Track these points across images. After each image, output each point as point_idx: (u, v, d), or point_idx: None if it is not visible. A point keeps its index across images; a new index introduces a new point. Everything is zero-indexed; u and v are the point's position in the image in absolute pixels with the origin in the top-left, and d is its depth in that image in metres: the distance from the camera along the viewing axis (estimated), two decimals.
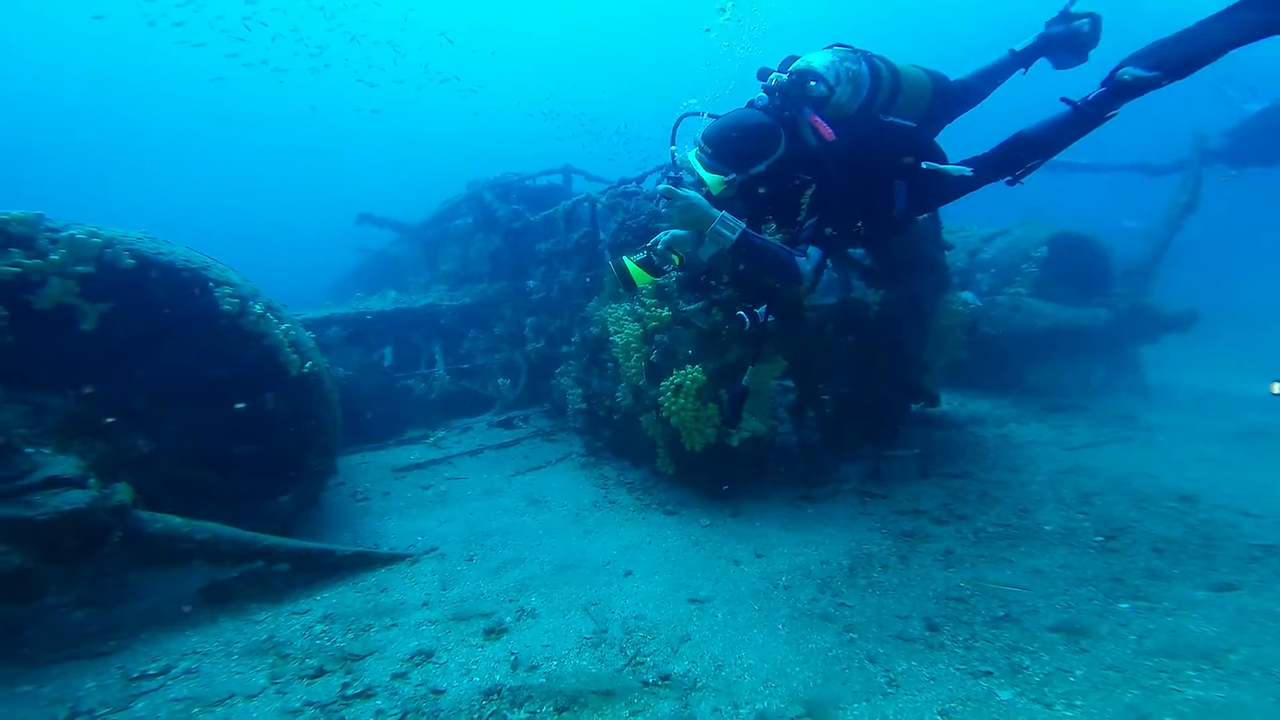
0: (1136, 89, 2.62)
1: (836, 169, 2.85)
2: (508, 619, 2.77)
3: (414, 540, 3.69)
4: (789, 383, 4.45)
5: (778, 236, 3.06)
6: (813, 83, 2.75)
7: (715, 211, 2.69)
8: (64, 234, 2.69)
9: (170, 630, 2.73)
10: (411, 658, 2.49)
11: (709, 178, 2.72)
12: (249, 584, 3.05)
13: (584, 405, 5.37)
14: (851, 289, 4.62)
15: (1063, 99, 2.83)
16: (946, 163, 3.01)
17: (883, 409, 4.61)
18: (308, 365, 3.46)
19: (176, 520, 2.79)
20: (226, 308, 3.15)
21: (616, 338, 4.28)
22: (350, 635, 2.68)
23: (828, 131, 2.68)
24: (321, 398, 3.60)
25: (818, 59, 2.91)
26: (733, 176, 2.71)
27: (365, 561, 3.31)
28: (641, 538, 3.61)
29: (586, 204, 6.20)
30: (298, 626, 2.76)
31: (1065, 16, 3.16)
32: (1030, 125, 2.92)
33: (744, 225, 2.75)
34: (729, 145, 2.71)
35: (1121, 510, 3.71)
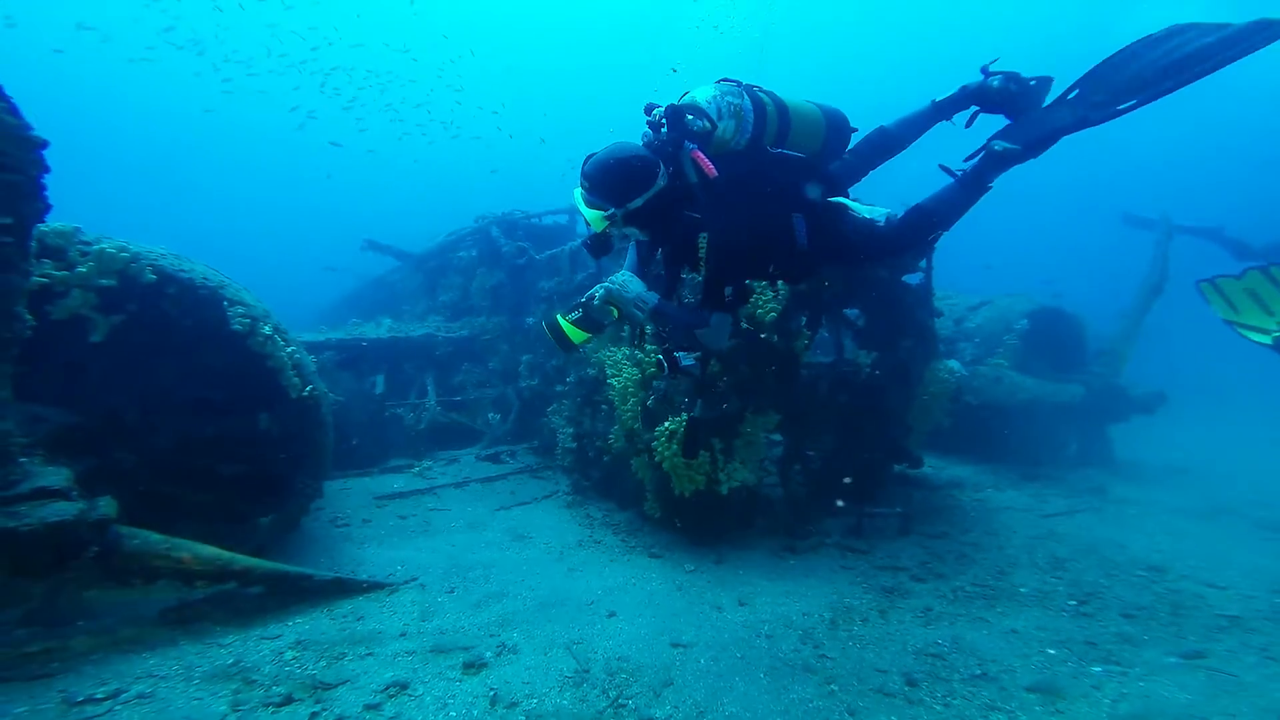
0: (1005, 161, 2.84)
1: (724, 204, 2.75)
2: (488, 654, 2.72)
3: (394, 569, 3.63)
4: (776, 436, 4.56)
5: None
6: (690, 116, 2.68)
7: (630, 292, 2.72)
8: (95, 248, 2.78)
9: (125, 652, 2.61)
10: (386, 689, 2.43)
11: (588, 213, 2.64)
12: (217, 606, 2.96)
13: (574, 444, 5.41)
14: (844, 349, 4.82)
15: (941, 166, 2.98)
16: (848, 198, 2.98)
17: (867, 468, 4.72)
18: (308, 389, 3.51)
19: (156, 537, 2.74)
20: (237, 327, 3.22)
21: (614, 380, 4.39)
22: (323, 663, 2.62)
23: (709, 167, 2.59)
24: (318, 421, 3.63)
25: (701, 93, 2.86)
26: (611, 211, 2.60)
27: (343, 588, 3.25)
28: (626, 579, 3.60)
29: None
30: (267, 652, 2.68)
31: (984, 73, 3.18)
32: (925, 198, 3.02)
33: (656, 299, 2.76)
34: (604, 179, 2.60)
35: (1093, 576, 3.79)
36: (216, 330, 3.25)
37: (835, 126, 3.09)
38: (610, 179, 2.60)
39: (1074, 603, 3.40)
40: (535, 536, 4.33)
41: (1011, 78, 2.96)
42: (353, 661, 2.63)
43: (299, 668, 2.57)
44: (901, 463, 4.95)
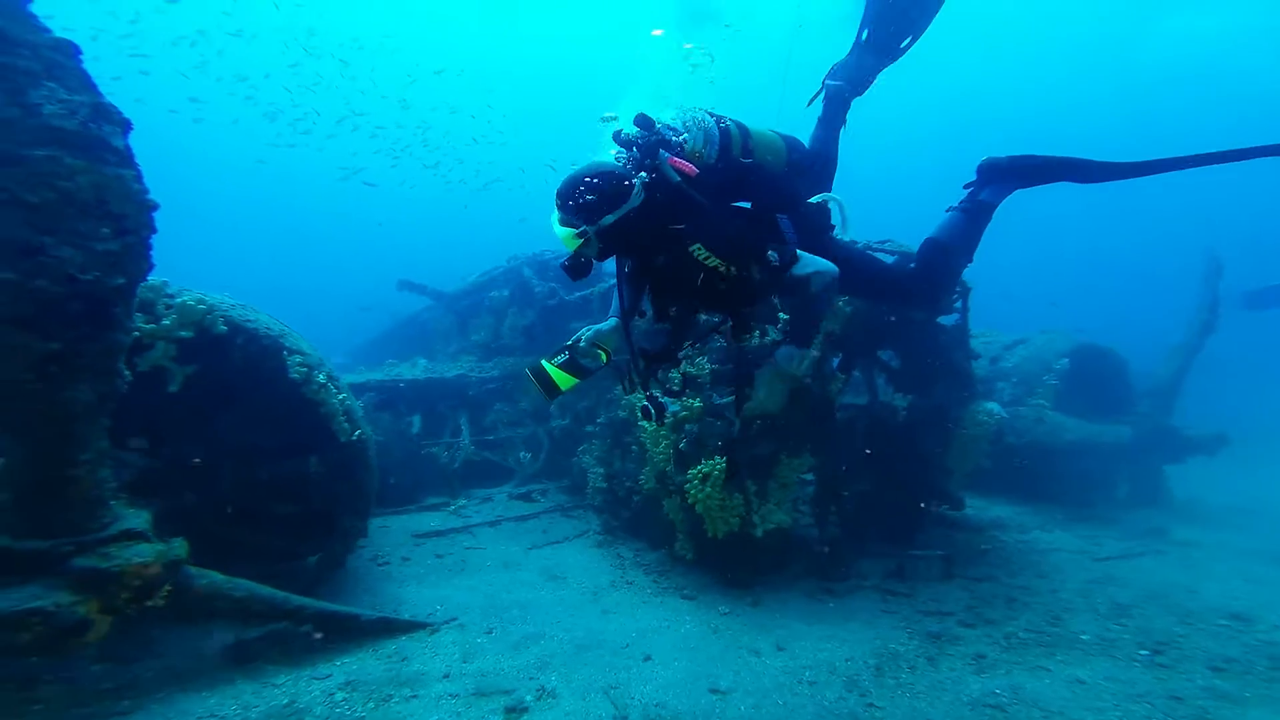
0: (995, 169, 2.92)
1: (709, 211, 2.64)
2: (528, 698, 2.74)
3: (434, 609, 3.70)
4: (809, 475, 4.54)
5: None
6: (658, 125, 2.65)
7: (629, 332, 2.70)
8: (177, 300, 3.05)
9: (188, 690, 2.72)
10: None
11: (560, 233, 2.56)
12: (270, 645, 3.07)
13: (604, 484, 5.46)
14: (878, 391, 4.81)
15: (947, 210, 3.08)
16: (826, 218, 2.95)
17: (905, 509, 4.64)
18: (356, 433, 3.69)
19: (219, 577, 2.89)
20: (294, 375, 3.44)
21: (645, 423, 4.46)
22: (371, 704, 2.68)
23: (689, 167, 2.54)
24: (365, 464, 3.79)
25: (664, 113, 2.85)
26: (584, 229, 2.51)
27: (388, 628, 3.33)
28: (660, 621, 3.58)
29: None
30: (318, 692, 2.76)
31: (831, 74, 3.33)
32: (935, 231, 3.03)
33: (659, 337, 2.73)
34: (573, 196, 2.52)
35: (1164, 624, 3.59)
36: (274, 377, 3.47)
37: (795, 149, 3.06)
38: (580, 196, 2.50)
39: (1146, 652, 3.22)
40: (568, 576, 4.35)
41: (830, 75, 3.26)
42: (399, 704, 2.69)
43: (349, 709, 2.63)
44: (941, 504, 4.85)
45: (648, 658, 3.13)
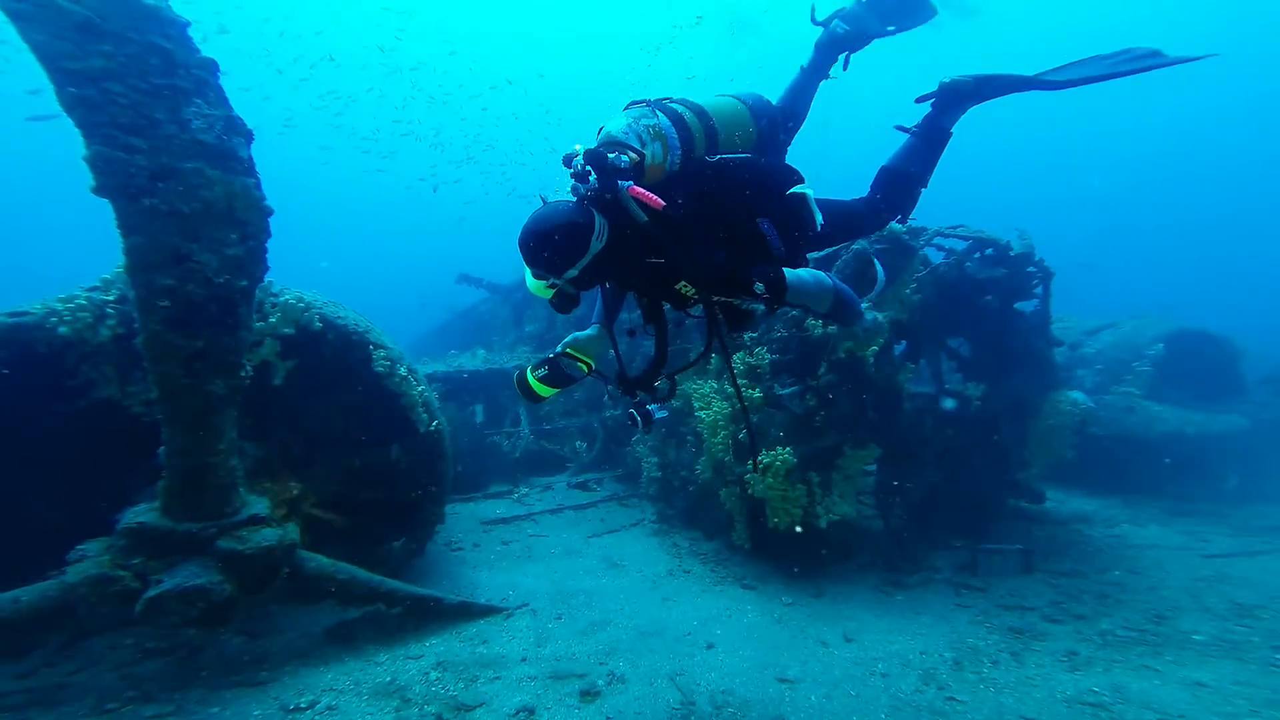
0: (958, 92, 2.75)
1: (685, 237, 2.50)
2: (600, 682, 2.86)
3: (506, 594, 3.89)
4: (870, 466, 4.42)
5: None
6: (611, 155, 2.46)
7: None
8: (281, 299, 3.33)
9: (309, 665, 2.99)
10: (517, 713, 2.63)
11: (532, 284, 2.49)
12: (367, 625, 3.33)
13: (659, 474, 5.53)
14: (944, 380, 4.62)
15: (897, 127, 2.90)
16: (802, 181, 2.76)
17: (979, 502, 4.45)
18: (434, 424, 3.90)
19: (325, 560, 3.14)
20: (379, 368, 3.67)
21: (703, 413, 4.48)
22: (460, 684, 2.87)
23: (654, 200, 2.38)
24: (441, 452, 4.01)
25: (614, 125, 2.66)
26: (552, 280, 2.44)
27: (466, 612, 3.53)
28: (720, 610, 3.62)
29: None
30: (414, 671, 2.97)
31: (819, 24, 3.18)
32: (889, 159, 2.89)
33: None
34: (532, 252, 2.43)
35: None
36: (361, 370, 3.72)
37: (763, 114, 2.85)
38: (539, 252, 2.42)
39: None
40: (628, 565, 4.46)
41: (840, 14, 3.09)
42: (485, 684, 2.87)
43: (442, 688, 2.83)
44: (1020, 497, 4.61)
45: (711, 645, 3.18)
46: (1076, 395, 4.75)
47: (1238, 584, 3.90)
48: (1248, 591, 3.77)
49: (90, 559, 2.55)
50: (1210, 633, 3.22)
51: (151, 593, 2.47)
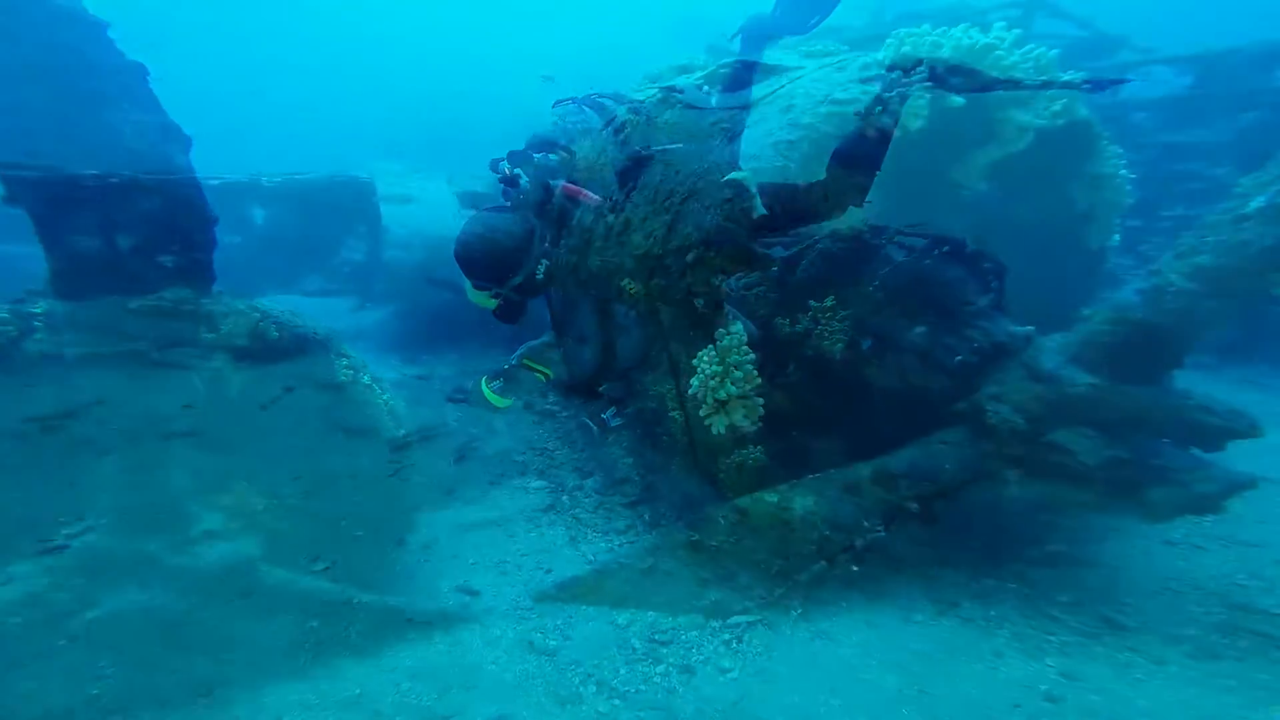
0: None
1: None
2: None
3: (478, 599, 3.82)
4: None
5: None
6: (537, 156, 2.43)
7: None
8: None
9: (273, 680, 2.86)
10: None
11: (474, 297, 2.48)
12: (332, 637, 3.25)
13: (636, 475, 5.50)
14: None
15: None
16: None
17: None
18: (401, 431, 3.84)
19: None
20: (341, 378, 3.60)
21: (675, 414, 4.48)
22: (434, 694, 2.82)
23: (589, 196, 2.36)
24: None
25: (542, 128, 2.67)
26: (495, 290, 2.42)
27: (440, 619, 3.47)
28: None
29: None
30: (385, 682, 2.92)
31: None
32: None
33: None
34: (471, 267, 2.40)
35: None
36: None
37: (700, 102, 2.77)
38: (478, 267, 2.41)
39: None
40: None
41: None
42: (459, 693, 2.82)
43: (415, 699, 2.80)
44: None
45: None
46: None
47: None
48: None
49: None
50: None
51: None
